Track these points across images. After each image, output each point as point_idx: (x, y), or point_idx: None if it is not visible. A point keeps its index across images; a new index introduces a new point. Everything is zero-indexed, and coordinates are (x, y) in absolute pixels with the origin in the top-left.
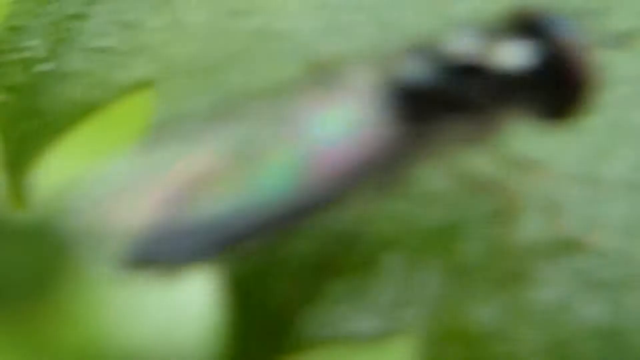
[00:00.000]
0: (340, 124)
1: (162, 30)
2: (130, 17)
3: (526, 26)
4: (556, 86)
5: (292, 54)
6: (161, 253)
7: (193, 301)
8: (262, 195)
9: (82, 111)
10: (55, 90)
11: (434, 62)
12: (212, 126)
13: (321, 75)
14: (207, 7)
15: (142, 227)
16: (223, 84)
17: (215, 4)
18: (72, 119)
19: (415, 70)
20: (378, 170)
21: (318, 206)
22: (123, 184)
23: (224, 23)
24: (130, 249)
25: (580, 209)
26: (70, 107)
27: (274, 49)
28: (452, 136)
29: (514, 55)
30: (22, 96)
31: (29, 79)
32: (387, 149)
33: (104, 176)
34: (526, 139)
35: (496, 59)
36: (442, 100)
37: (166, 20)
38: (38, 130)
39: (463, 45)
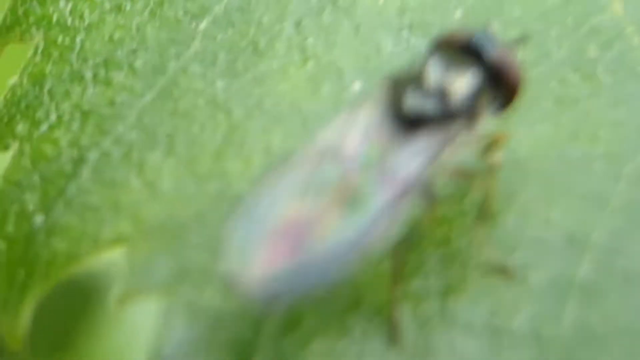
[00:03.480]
0: (374, 153)
1: (138, 190)
2: (113, 177)
3: (463, 48)
4: (501, 87)
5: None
6: (288, 291)
7: None
8: (360, 224)
9: (67, 263)
10: (44, 243)
11: (418, 89)
12: (282, 176)
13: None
14: (176, 170)
15: (267, 274)
16: (184, 247)
17: (184, 167)
18: (59, 270)
19: (408, 98)
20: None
21: (394, 223)
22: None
23: (189, 187)
24: (263, 291)
25: None
26: (57, 259)
27: (228, 213)
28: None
29: (469, 77)
30: (15, 247)
31: (22, 231)
32: (411, 164)
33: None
34: None
35: (459, 82)
36: (432, 118)
37: (143, 181)
38: (28, 278)
39: (435, 74)
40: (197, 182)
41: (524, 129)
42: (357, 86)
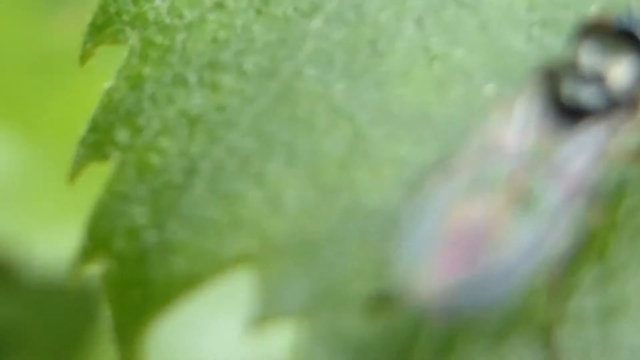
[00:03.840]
0: (538, 149)
1: (259, 203)
2: (230, 189)
3: (613, 31)
4: None
5: (382, 232)
6: (468, 303)
7: None
8: (537, 226)
9: (188, 284)
10: (159, 261)
11: (576, 78)
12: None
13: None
14: (299, 182)
15: (446, 285)
16: (319, 266)
17: (307, 178)
18: (178, 292)
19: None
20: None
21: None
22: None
23: (315, 199)
24: (442, 304)
25: None
26: (175, 279)
27: (364, 228)
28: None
29: (628, 61)
30: (127, 266)
31: (134, 248)
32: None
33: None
34: None
35: (618, 68)
36: (594, 108)
37: (263, 193)
38: (144, 300)
39: (591, 61)
40: (323, 195)
41: None
42: (490, 89)
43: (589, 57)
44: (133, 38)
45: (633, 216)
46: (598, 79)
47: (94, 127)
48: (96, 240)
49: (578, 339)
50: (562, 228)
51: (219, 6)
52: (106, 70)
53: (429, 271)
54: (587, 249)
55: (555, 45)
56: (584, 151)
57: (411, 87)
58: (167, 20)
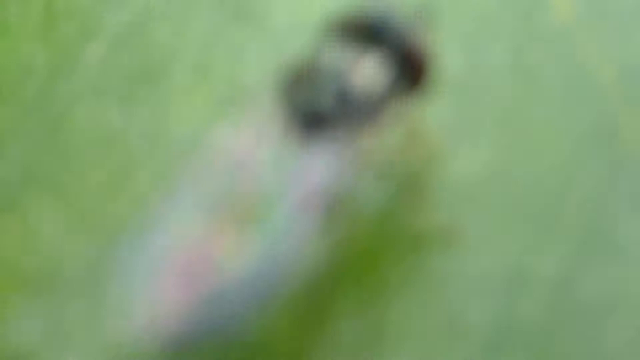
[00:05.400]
0: (272, 158)
1: (16, 240)
2: None
3: (367, 33)
4: (408, 71)
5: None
6: (198, 330)
7: None
8: (264, 247)
9: None
10: None
11: (314, 83)
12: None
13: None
14: (60, 216)
15: (169, 314)
16: (56, 305)
17: (68, 212)
18: None
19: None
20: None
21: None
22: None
23: (73, 235)
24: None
25: None
26: None
27: (117, 263)
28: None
29: (372, 64)
30: None
31: None
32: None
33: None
34: None
35: (360, 71)
36: (333, 114)
37: (22, 229)
38: None
39: (332, 63)
40: (82, 230)
41: (461, 150)
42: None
43: (329, 57)
44: None
45: (398, 239)
46: (338, 81)
47: None
48: None
49: None
50: (298, 244)
51: (2, 32)
52: None
53: (149, 300)
54: (345, 272)
55: None
56: (325, 160)
57: (193, 109)
58: None
